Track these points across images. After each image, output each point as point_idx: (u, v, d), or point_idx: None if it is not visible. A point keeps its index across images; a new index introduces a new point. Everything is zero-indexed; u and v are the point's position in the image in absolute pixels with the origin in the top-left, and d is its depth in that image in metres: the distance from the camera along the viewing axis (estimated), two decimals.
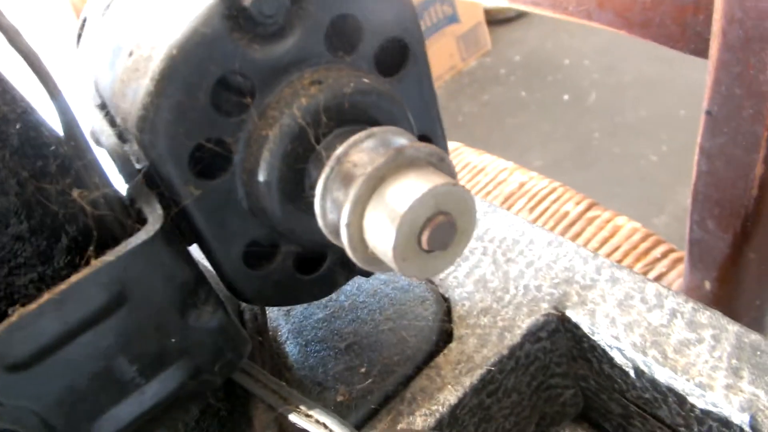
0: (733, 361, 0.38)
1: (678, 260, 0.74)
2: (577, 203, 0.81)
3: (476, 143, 0.99)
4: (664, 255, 0.75)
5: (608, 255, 0.75)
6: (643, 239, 0.76)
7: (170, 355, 0.33)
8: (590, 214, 0.80)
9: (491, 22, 2.54)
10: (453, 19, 2.35)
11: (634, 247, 0.76)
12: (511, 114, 2.19)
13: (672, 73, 2.11)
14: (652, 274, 0.73)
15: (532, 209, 0.82)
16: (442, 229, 0.27)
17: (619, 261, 0.75)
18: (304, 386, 0.43)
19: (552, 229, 0.80)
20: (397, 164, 0.27)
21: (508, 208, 0.84)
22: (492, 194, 0.86)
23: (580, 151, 1.98)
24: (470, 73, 2.42)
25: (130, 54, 0.32)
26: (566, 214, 0.81)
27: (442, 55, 2.38)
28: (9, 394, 0.30)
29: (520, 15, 2.60)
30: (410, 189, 0.26)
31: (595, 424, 0.50)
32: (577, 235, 0.78)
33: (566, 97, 2.18)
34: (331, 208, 0.29)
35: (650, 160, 1.90)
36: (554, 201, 0.83)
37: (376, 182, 0.27)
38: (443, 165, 0.28)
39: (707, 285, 0.63)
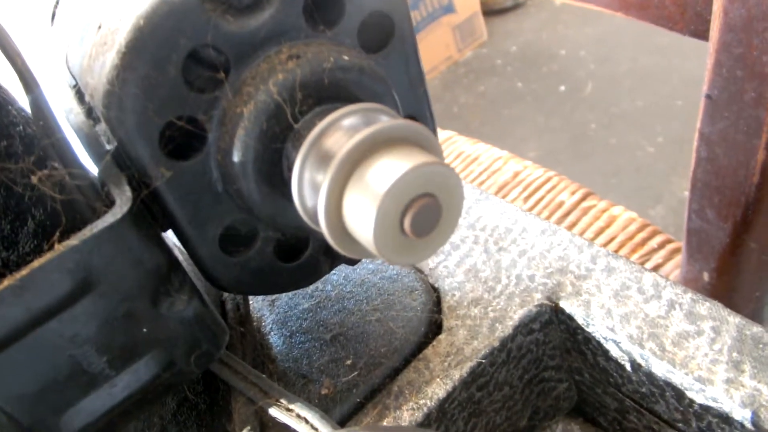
0: (734, 355, 0.37)
1: (675, 251, 0.72)
2: (573, 193, 0.80)
3: (472, 134, 0.97)
4: (661, 245, 0.73)
5: (604, 245, 0.74)
6: (640, 229, 0.75)
7: (142, 345, 0.32)
8: (586, 203, 0.79)
9: (487, 13, 2.52)
10: (449, 9, 2.33)
11: (630, 238, 0.74)
12: (507, 105, 2.17)
13: (668, 64, 2.09)
14: (648, 265, 0.72)
15: (526, 199, 0.81)
16: (426, 211, 0.25)
17: (615, 251, 0.73)
18: (288, 379, 0.42)
19: (547, 218, 0.78)
20: (378, 142, 0.25)
21: (503, 197, 0.82)
22: (486, 183, 0.84)
23: (576, 142, 1.97)
24: (466, 63, 2.40)
25: (99, 27, 0.30)
26: (561, 203, 0.79)
27: (438, 46, 2.36)
28: None
29: (516, 5, 2.58)
30: (391, 168, 0.24)
31: (589, 419, 0.48)
32: (573, 225, 0.77)
33: (562, 87, 2.16)
34: (309, 190, 0.27)
35: (646, 151, 1.89)
36: (549, 190, 0.81)
37: (355, 161, 0.25)
38: (428, 143, 0.26)
39: (705, 276, 0.61)
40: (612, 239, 0.74)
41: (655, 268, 0.71)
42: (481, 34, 2.46)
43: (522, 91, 2.21)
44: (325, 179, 0.25)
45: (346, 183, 0.25)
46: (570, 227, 0.77)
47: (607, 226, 0.76)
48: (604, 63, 2.20)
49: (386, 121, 0.25)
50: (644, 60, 2.14)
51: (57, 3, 0.41)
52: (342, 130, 0.27)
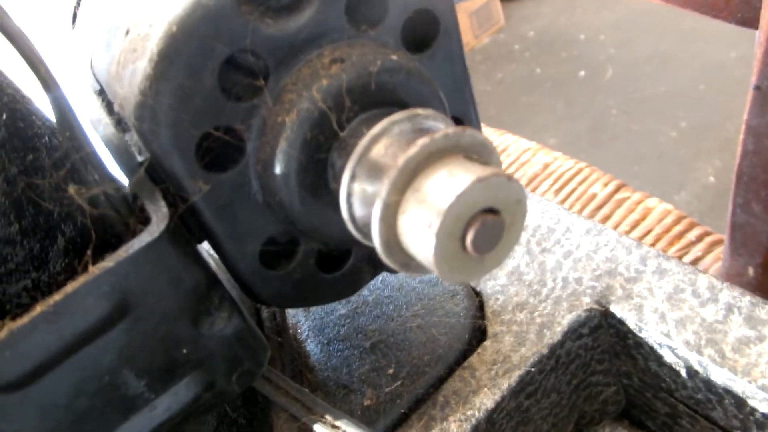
0: None
1: (714, 243, 0.70)
2: (605, 184, 0.78)
3: (490, 122, 0.95)
4: (700, 238, 0.71)
5: (640, 239, 0.72)
6: (677, 222, 0.73)
7: (182, 367, 0.30)
8: (619, 195, 0.76)
9: None
10: None
11: (667, 231, 0.72)
12: (526, 92, 2.14)
13: (690, 48, 2.05)
14: (687, 258, 0.70)
15: (557, 191, 0.79)
16: (489, 227, 0.23)
17: (652, 245, 0.71)
18: (327, 389, 0.40)
19: (579, 211, 0.76)
20: (435, 153, 0.23)
21: (533, 190, 0.80)
22: (515, 176, 0.82)
23: (596, 129, 1.94)
24: (483, 50, 2.37)
25: (127, 33, 0.28)
26: (594, 196, 0.77)
27: None
28: (2, 417, 0.26)
29: None
30: (452, 181, 0.22)
31: (637, 422, 0.46)
32: (606, 218, 0.75)
33: (582, 73, 2.13)
34: (358, 204, 0.26)
35: (669, 136, 1.85)
36: (581, 182, 0.79)
37: (411, 174, 0.23)
38: (487, 152, 0.24)
39: (750, 271, 0.59)
40: (648, 232, 0.72)
41: (694, 262, 0.69)
42: (499, 19, 2.43)
43: (540, 77, 2.18)
44: (379, 194, 0.23)
45: (403, 197, 0.23)
46: (604, 220, 0.75)
47: (642, 218, 0.74)
48: (625, 47, 2.16)
49: (443, 129, 0.24)
50: (665, 44, 2.11)
51: (78, 3, 0.39)
52: (393, 138, 0.25)
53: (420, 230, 0.23)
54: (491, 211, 0.23)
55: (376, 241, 0.24)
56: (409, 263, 0.25)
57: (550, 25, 2.37)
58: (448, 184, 0.22)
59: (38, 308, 0.25)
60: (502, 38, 2.40)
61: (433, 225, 0.22)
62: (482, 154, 0.24)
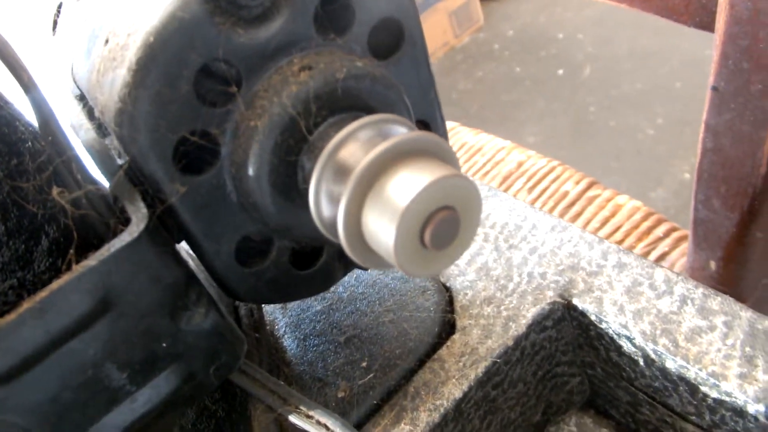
0: (747, 349, 0.37)
1: (681, 239, 0.72)
2: (577, 182, 0.80)
3: (471, 120, 0.97)
4: (667, 234, 0.73)
5: (609, 235, 0.74)
6: (645, 218, 0.75)
7: (162, 360, 0.32)
8: (590, 193, 0.78)
9: None
10: None
11: (636, 227, 0.74)
12: (506, 90, 2.16)
13: (667, 45, 2.09)
14: (654, 254, 0.72)
15: (531, 189, 0.81)
16: (445, 224, 0.25)
17: (621, 241, 0.73)
18: (303, 382, 0.42)
19: (552, 209, 0.78)
20: (396, 155, 0.25)
21: (507, 189, 0.82)
22: (490, 174, 0.84)
23: (575, 126, 1.97)
24: (463, 49, 2.39)
25: (106, 42, 0.30)
26: (566, 193, 0.79)
27: (435, 32, 2.35)
28: None
29: None
30: (411, 182, 0.24)
31: (602, 412, 0.48)
32: (578, 214, 0.77)
33: (561, 71, 2.16)
34: (326, 203, 0.27)
35: (646, 133, 1.88)
36: (553, 180, 0.81)
37: (374, 175, 0.25)
38: (445, 154, 0.26)
39: (712, 265, 0.61)
40: (618, 228, 0.74)
41: (662, 257, 0.71)
42: (478, 18, 2.45)
43: (520, 76, 2.20)
44: (344, 194, 0.25)
45: (365, 197, 0.25)
46: (575, 217, 0.77)
47: (612, 215, 0.76)
48: (603, 45, 2.19)
49: (403, 133, 0.25)
50: (643, 41, 2.14)
51: (58, 12, 0.41)
52: (358, 142, 0.27)
53: (381, 228, 0.25)
54: (448, 208, 0.25)
55: (342, 239, 0.26)
56: (373, 259, 0.27)
57: (529, 25, 2.40)
58: (407, 184, 0.24)
59: (25, 305, 0.26)
60: (482, 37, 2.42)
61: (393, 223, 0.24)
62: (440, 155, 0.26)
